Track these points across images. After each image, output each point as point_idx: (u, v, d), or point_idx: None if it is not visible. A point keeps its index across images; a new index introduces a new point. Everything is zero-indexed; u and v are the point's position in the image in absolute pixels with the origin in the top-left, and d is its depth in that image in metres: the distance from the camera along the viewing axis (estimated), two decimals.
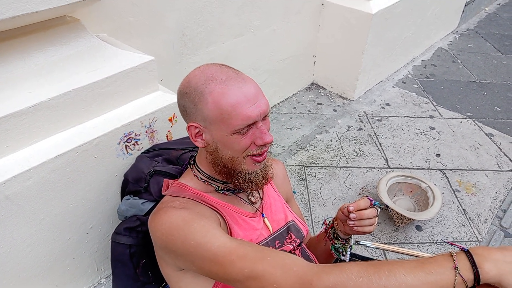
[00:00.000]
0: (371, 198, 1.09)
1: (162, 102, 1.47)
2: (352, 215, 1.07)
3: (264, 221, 1.14)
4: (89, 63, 1.34)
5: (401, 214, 1.93)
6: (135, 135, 1.42)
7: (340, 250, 1.21)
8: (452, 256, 0.79)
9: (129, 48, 1.52)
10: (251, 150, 0.99)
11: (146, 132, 1.45)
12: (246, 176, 1.02)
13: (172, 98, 1.50)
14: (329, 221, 1.25)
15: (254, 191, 1.16)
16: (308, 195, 2.19)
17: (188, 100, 0.97)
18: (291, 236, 1.18)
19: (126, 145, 1.40)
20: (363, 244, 1.37)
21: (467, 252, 0.80)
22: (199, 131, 0.99)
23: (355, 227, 1.10)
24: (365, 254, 1.84)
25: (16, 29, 1.20)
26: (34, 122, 1.21)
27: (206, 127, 0.97)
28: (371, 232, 1.11)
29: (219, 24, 2.17)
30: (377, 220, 1.11)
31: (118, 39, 1.63)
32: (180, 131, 1.56)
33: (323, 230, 1.27)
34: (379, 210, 1.10)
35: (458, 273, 0.77)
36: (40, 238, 1.33)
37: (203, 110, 0.95)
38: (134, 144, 1.43)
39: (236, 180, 1.03)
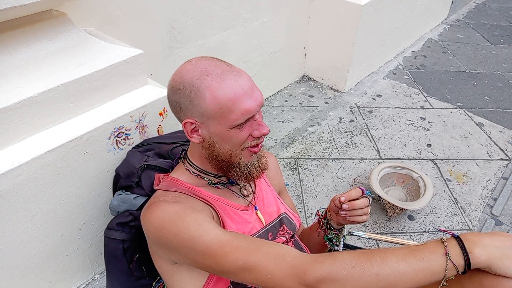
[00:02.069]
0: (362, 188, 1.10)
1: (152, 96, 1.46)
2: (344, 206, 1.08)
3: (256, 214, 1.15)
4: (77, 58, 1.33)
5: (393, 204, 1.95)
6: (126, 130, 1.40)
7: (334, 240, 1.22)
8: (443, 242, 0.80)
9: (117, 42, 1.51)
10: (248, 142, 0.99)
11: (137, 126, 1.44)
12: (244, 168, 1.02)
13: (162, 92, 1.49)
14: (322, 212, 1.26)
15: (247, 184, 1.16)
16: (301, 187, 2.20)
17: (183, 96, 0.95)
18: (283, 228, 1.18)
19: (116, 140, 1.39)
20: (356, 235, 1.38)
21: (457, 238, 0.81)
22: (195, 127, 0.98)
23: (348, 217, 1.11)
24: (358, 244, 1.85)
25: (1, 24, 1.18)
26: (22, 118, 1.20)
27: (203, 122, 0.96)
28: (365, 221, 1.12)
29: (208, 17, 2.15)
30: (369, 210, 1.12)
31: (105, 33, 1.62)
32: (171, 125, 1.55)
33: (316, 221, 1.28)
34: (371, 199, 1.11)
35: (449, 259, 0.78)
36: (32, 235, 1.32)
37: (200, 106, 0.93)
38: (124, 139, 1.42)
39: (234, 172, 1.03)
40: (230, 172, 1.03)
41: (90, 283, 1.63)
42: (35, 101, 1.20)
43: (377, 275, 0.78)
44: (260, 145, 1.02)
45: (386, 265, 0.78)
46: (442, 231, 0.95)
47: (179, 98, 0.96)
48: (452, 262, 0.78)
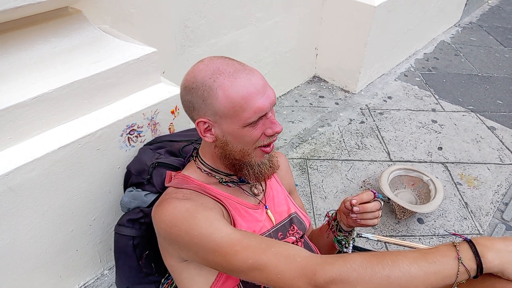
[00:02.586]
0: (374, 191, 1.09)
1: (164, 94, 1.47)
2: (355, 208, 1.07)
3: (267, 213, 1.15)
4: (91, 55, 1.34)
5: (402, 207, 1.94)
6: (138, 127, 1.41)
7: (343, 242, 1.22)
8: (455, 246, 0.80)
9: (131, 40, 1.52)
10: (261, 141, 0.99)
11: (149, 124, 1.45)
12: (255, 167, 1.03)
13: (175, 90, 1.49)
14: (332, 214, 1.25)
15: (257, 183, 1.17)
16: (310, 188, 2.20)
17: (196, 96, 0.95)
18: (293, 227, 1.18)
19: (128, 137, 1.40)
20: (365, 237, 1.38)
21: (469, 242, 0.80)
22: (208, 126, 0.98)
23: (359, 220, 1.10)
24: (367, 246, 1.85)
25: (18, 20, 1.20)
26: (37, 113, 1.21)
27: (216, 121, 0.96)
28: (375, 224, 1.11)
29: (221, 16, 2.16)
30: (381, 213, 1.11)
31: (120, 30, 1.63)
32: (182, 123, 1.56)
33: (326, 222, 1.28)
34: (382, 203, 1.10)
35: (461, 262, 0.77)
36: (44, 230, 1.33)
37: (213, 105, 0.93)
38: (136, 136, 1.43)
39: (246, 171, 1.03)
40: (242, 171, 1.03)
41: (99, 278, 1.65)
42: (50, 97, 1.22)
43: (388, 277, 0.77)
44: (272, 145, 1.02)
45: (398, 268, 0.78)
46: (454, 234, 0.94)
47: (192, 97, 0.96)
48: (464, 266, 0.77)
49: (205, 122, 0.97)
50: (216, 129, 0.98)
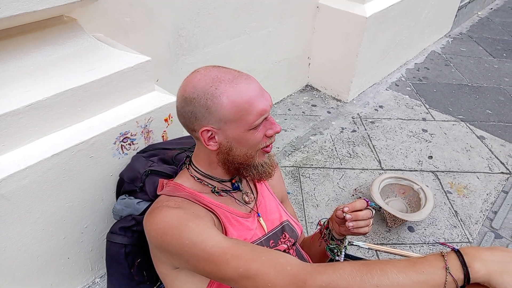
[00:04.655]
0: (367, 200, 1.10)
1: (158, 102, 1.48)
2: (347, 216, 1.09)
3: (259, 221, 1.15)
4: (85, 63, 1.35)
5: (393, 215, 1.96)
6: (131, 135, 1.42)
7: (335, 250, 1.22)
8: (443, 255, 0.81)
9: (125, 48, 1.53)
10: (263, 143, 1.03)
11: (142, 132, 1.45)
12: (259, 167, 1.06)
13: (168, 98, 1.50)
14: (324, 222, 1.26)
15: (249, 191, 1.18)
16: (302, 196, 2.21)
17: (198, 105, 0.96)
18: (285, 235, 1.19)
19: (122, 145, 1.41)
20: (356, 245, 1.39)
21: (457, 252, 0.81)
22: (212, 134, 0.99)
23: (352, 229, 1.11)
24: (358, 254, 1.86)
25: (13, 28, 1.21)
26: (30, 121, 1.21)
27: (220, 128, 0.98)
28: (366, 233, 1.13)
29: (215, 25, 2.18)
30: (372, 221, 1.12)
31: (114, 39, 1.64)
32: (176, 131, 1.57)
33: (318, 231, 1.29)
34: (374, 211, 1.11)
35: (449, 272, 0.78)
36: (35, 237, 1.33)
37: (218, 112, 0.95)
38: (130, 144, 1.43)
39: (250, 172, 1.06)
40: (247, 172, 1.06)
41: (90, 286, 1.64)
42: (44, 104, 1.22)
43: (377, 286, 0.78)
44: (271, 144, 1.06)
45: (386, 277, 0.79)
46: (442, 244, 0.95)
47: (194, 108, 0.97)
48: (452, 275, 0.78)
49: (208, 130, 0.98)
50: (220, 136, 0.99)
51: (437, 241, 1.97)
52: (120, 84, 1.39)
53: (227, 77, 0.96)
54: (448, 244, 0.90)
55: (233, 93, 0.94)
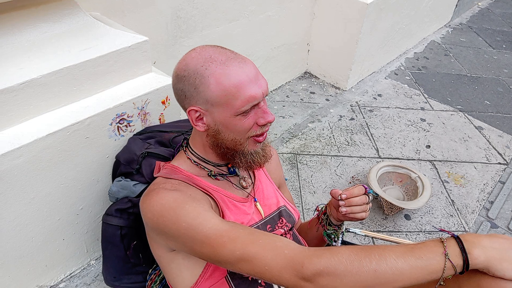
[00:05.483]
0: (366, 186, 1.10)
1: (155, 84, 1.46)
2: (341, 202, 1.08)
3: (256, 206, 1.15)
4: (81, 41, 1.32)
5: (390, 203, 1.95)
6: (128, 117, 1.40)
7: (332, 236, 1.22)
8: (442, 242, 0.81)
9: (122, 28, 1.50)
10: (254, 131, 0.99)
11: (139, 114, 1.43)
12: (248, 156, 1.02)
13: (166, 80, 1.48)
14: (322, 208, 1.26)
15: (246, 176, 1.16)
16: (299, 183, 2.20)
17: (188, 84, 0.95)
18: (282, 220, 1.18)
19: (118, 126, 1.39)
20: (352, 231, 1.39)
21: (457, 238, 0.81)
22: (200, 114, 0.97)
23: (346, 213, 1.11)
24: (354, 241, 1.86)
25: (7, 4, 1.17)
26: (25, 99, 1.19)
27: (208, 109, 0.95)
28: (363, 218, 1.12)
29: (214, 7, 2.14)
30: (369, 207, 1.11)
31: (111, 19, 1.60)
32: (173, 114, 1.55)
33: (315, 216, 1.28)
34: (371, 197, 1.10)
35: (448, 258, 0.78)
36: (30, 218, 1.31)
37: (205, 93, 0.93)
38: (126, 126, 1.41)
39: (238, 160, 1.03)
40: (234, 159, 1.03)
41: (85, 268, 1.63)
42: (38, 83, 1.19)
43: (375, 271, 0.78)
44: (265, 134, 1.02)
45: (384, 262, 0.78)
46: (442, 231, 0.95)
47: (184, 85, 0.96)
48: (451, 261, 0.78)
49: (196, 111, 0.96)
50: (208, 118, 0.97)
51: (437, 228, 1.98)
52: (117, 64, 1.37)
53: (220, 58, 0.93)
54: (448, 231, 0.90)
55: (221, 75, 0.91)
